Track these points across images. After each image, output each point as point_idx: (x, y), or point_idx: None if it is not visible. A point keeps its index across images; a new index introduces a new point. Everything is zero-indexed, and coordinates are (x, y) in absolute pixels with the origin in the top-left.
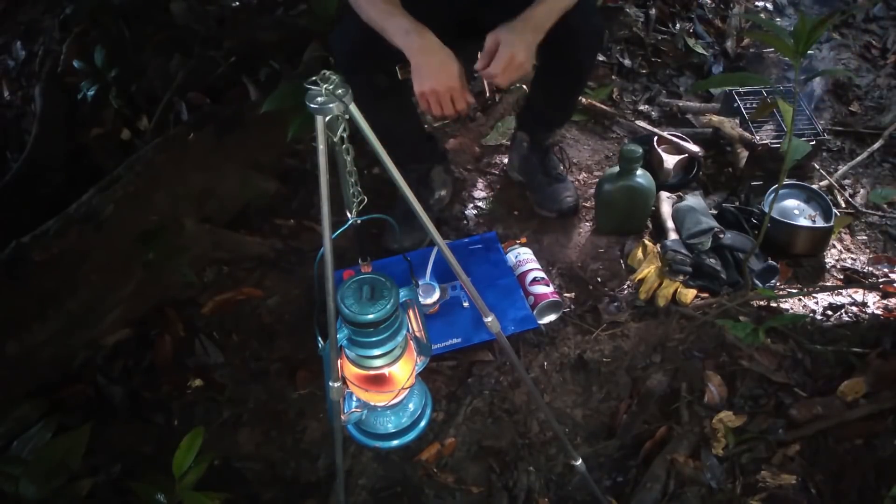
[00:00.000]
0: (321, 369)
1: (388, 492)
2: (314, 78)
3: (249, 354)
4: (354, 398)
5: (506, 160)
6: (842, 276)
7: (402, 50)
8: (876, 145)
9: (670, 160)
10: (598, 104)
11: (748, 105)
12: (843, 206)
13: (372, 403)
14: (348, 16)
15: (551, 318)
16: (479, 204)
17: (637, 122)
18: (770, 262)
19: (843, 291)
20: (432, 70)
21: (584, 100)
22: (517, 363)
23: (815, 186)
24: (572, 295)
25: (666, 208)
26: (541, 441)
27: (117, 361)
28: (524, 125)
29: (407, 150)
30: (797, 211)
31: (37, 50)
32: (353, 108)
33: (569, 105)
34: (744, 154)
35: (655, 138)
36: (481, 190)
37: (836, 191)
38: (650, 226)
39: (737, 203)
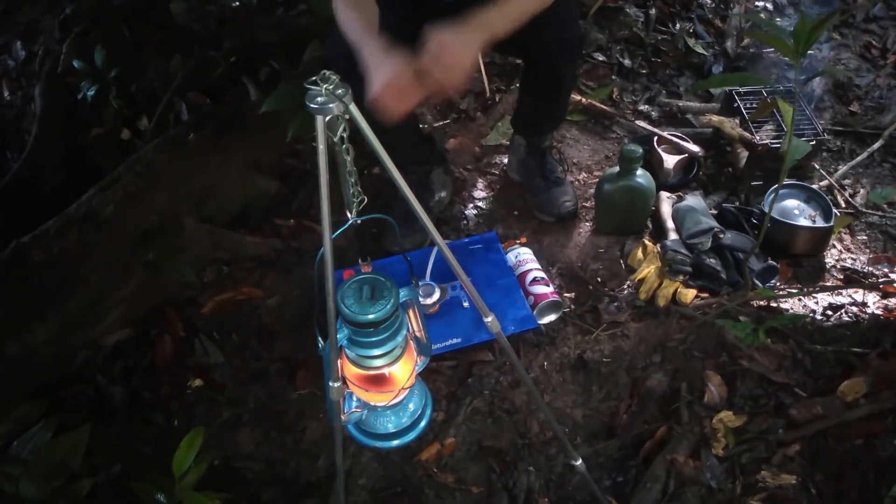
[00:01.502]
0: (321, 369)
1: (388, 492)
2: (314, 78)
3: (249, 354)
4: (354, 398)
5: (506, 160)
6: (842, 276)
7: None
8: (876, 145)
9: (670, 160)
10: (598, 104)
11: (748, 105)
12: (843, 206)
13: (372, 403)
14: None
15: (551, 318)
16: (479, 204)
17: (637, 122)
18: (770, 262)
19: (843, 291)
20: (377, 75)
21: (584, 100)
22: (517, 363)
23: (815, 186)
24: (572, 295)
25: (666, 208)
26: (541, 441)
27: (117, 361)
28: (518, 129)
29: (405, 151)
30: (797, 211)
31: (37, 50)
32: (353, 108)
33: (555, 111)
34: (744, 154)
35: (655, 138)
36: (481, 190)
37: (836, 191)
38: (650, 226)
39: (737, 203)
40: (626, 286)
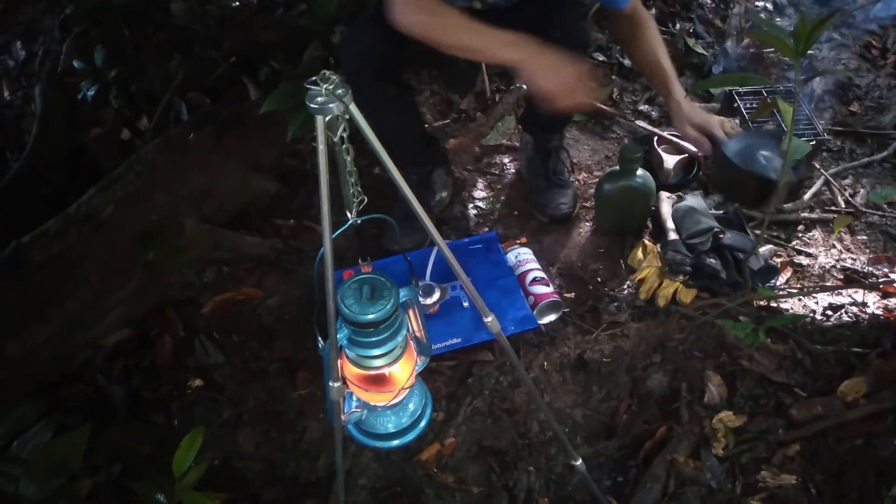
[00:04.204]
0: (321, 369)
1: (388, 492)
2: (314, 78)
3: (249, 354)
4: (354, 398)
5: (506, 160)
6: (842, 276)
7: (512, 62)
8: (880, 156)
9: (670, 160)
10: (598, 104)
11: (748, 105)
12: (843, 205)
13: (372, 403)
14: (356, 24)
15: (551, 318)
16: (479, 204)
17: (637, 122)
18: (770, 262)
19: (843, 291)
20: (557, 65)
21: None
22: (517, 363)
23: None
24: (572, 295)
25: (666, 208)
26: (541, 441)
27: (117, 361)
28: (526, 127)
29: (410, 153)
30: (764, 161)
31: (37, 50)
32: (353, 108)
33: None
34: None
35: (655, 138)
36: (481, 190)
37: (836, 190)
38: (650, 226)
39: (736, 203)
40: (626, 286)
